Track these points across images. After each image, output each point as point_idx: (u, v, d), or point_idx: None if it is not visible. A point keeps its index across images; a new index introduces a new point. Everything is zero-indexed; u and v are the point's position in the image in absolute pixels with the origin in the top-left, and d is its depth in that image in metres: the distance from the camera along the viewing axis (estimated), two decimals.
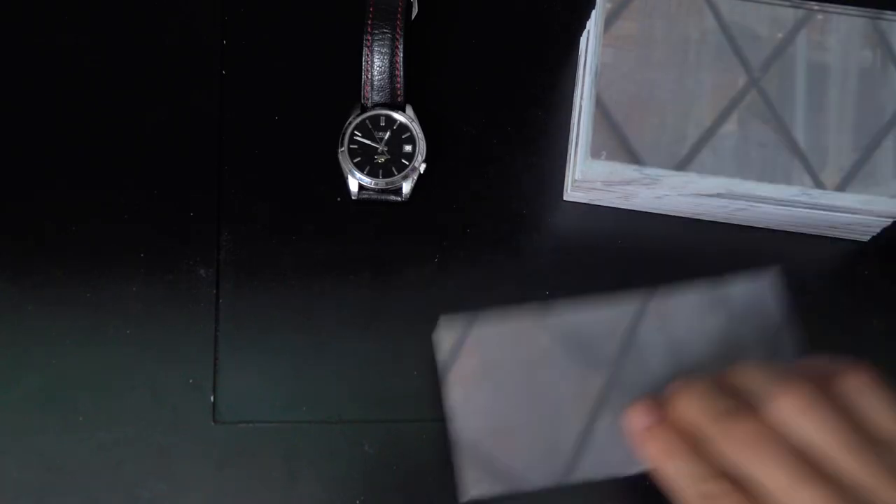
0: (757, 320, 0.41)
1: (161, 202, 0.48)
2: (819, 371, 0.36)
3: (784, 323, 0.42)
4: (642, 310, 0.42)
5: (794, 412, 0.34)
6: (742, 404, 0.36)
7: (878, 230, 0.47)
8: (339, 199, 0.48)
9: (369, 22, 0.47)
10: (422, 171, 0.47)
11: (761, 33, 0.44)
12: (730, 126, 0.43)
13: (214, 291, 0.47)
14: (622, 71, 0.44)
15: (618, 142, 0.43)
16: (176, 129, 0.48)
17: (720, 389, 0.37)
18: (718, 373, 0.38)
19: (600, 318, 0.41)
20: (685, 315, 0.42)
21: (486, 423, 0.41)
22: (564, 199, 0.49)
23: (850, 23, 0.44)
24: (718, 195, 0.44)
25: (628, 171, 0.43)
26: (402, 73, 0.47)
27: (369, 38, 0.47)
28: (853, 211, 0.44)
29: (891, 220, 0.45)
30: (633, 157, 0.43)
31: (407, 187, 0.47)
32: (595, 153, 0.43)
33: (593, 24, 0.46)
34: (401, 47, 0.47)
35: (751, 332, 0.41)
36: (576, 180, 0.46)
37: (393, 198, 0.47)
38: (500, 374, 0.41)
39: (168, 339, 0.46)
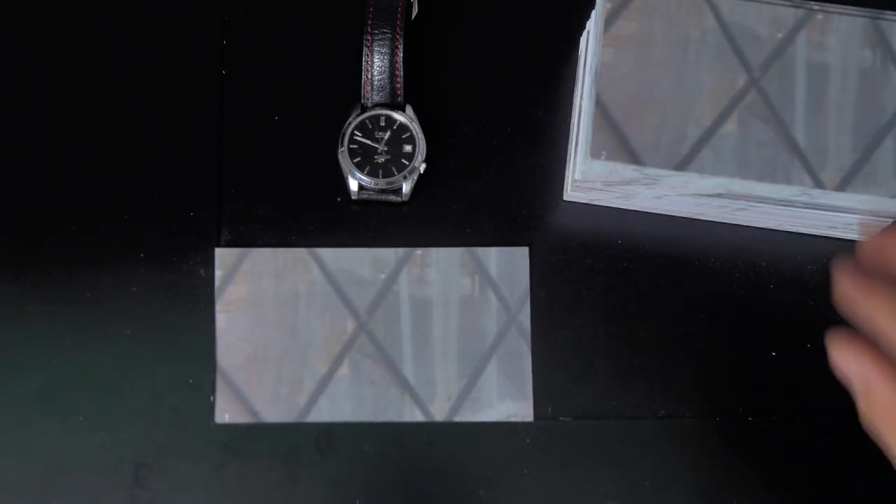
0: (505, 287, 0.47)
1: (161, 202, 0.48)
2: None
3: (526, 296, 0.47)
4: (406, 259, 0.46)
5: None
6: None
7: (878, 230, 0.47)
8: (339, 199, 0.48)
9: (369, 22, 0.47)
10: (422, 171, 0.47)
11: (761, 33, 0.44)
12: (730, 126, 0.43)
13: (214, 291, 0.47)
14: (622, 71, 0.43)
15: (618, 142, 0.43)
16: (176, 129, 0.48)
17: None
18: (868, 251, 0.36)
19: (367, 260, 0.46)
20: (442, 272, 0.47)
21: (243, 351, 0.46)
22: (564, 199, 0.49)
23: (851, 23, 0.44)
24: (718, 195, 0.44)
25: (628, 171, 0.43)
26: (402, 73, 0.47)
27: (369, 38, 0.47)
28: (853, 211, 0.44)
29: (891, 220, 0.45)
30: (633, 157, 0.43)
31: (407, 187, 0.47)
32: (595, 153, 0.43)
33: (593, 25, 0.46)
34: (401, 47, 0.47)
35: (496, 299, 0.47)
36: (576, 180, 0.46)
37: (393, 198, 0.47)
38: (265, 305, 0.46)
39: (168, 339, 0.47)
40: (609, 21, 0.44)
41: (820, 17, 0.44)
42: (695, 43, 0.44)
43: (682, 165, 0.43)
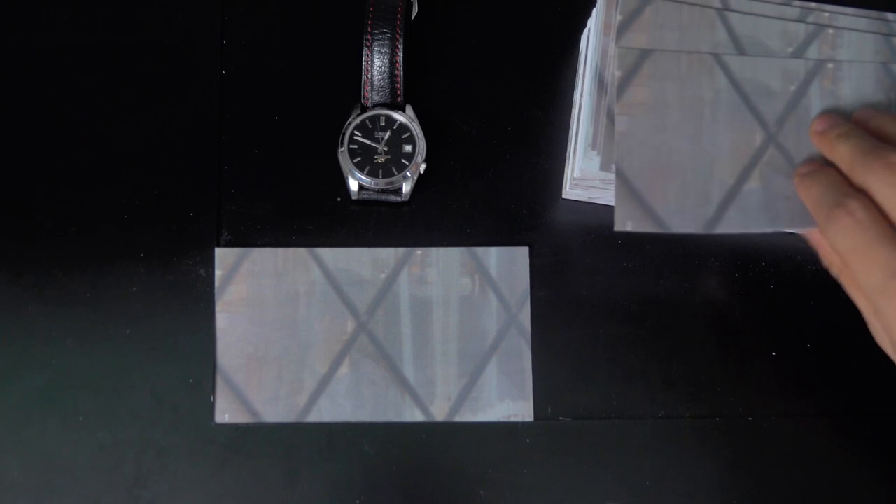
0: (505, 287, 0.47)
1: (161, 202, 0.48)
2: None
3: (526, 296, 0.47)
4: (406, 259, 0.46)
5: None
6: (885, 145, 0.39)
7: None
8: (339, 199, 0.48)
9: (369, 22, 0.47)
10: (422, 171, 0.47)
11: (774, 88, 0.44)
12: (753, 183, 0.43)
13: (214, 291, 0.47)
14: (639, 138, 0.43)
15: (642, 210, 0.42)
16: (176, 128, 0.48)
17: (873, 137, 0.40)
18: (871, 118, 0.42)
19: (367, 260, 0.46)
20: (442, 272, 0.46)
21: (243, 351, 0.46)
22: (563, 196, 0.49)
23: (862, 70, 0.44)
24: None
25: None
26: (402, 73, 0.47)
27: (369, 38, 0.47)
28: None
29: None
30: (659, 224, 0.42)
31: (407, 187, 0.47)
32: (620, 224, 0.41)
33: (594, 22, 0.46)
34: (401, 47, 0.47)
35: (496, 298, 0.47)
36: (575, 178, 0.46)
37: (393, 198, 0.47)
38: (265, 305, 0.46)
39: (168, 339, 0.47)
40: (621, 89, 0.43)
41: (830, 66, 0.44)
42: (709, 103, 0.43)
43: (709, 226, 0.42)
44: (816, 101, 0.43)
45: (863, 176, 0.38)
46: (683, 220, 0.42)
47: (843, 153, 0.40)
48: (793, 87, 0.43)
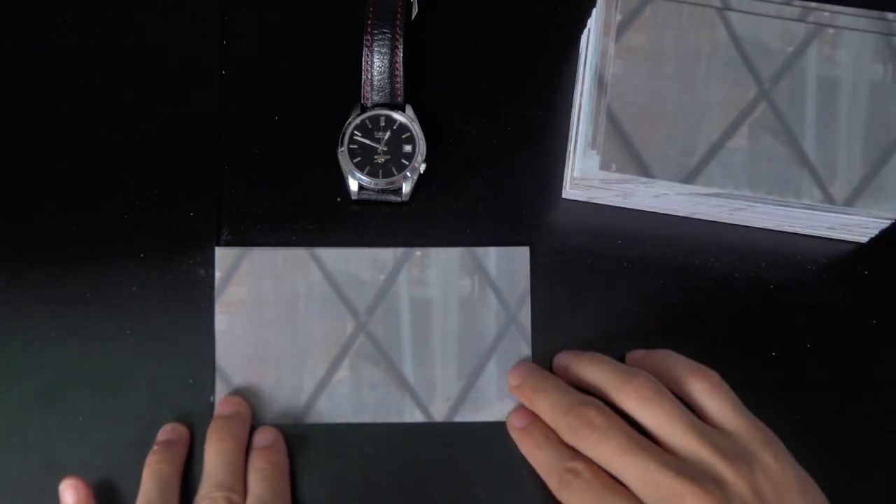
0: (504, 289, 0.47)
1: (161, 202, 0.48)
2: (667, 370, 0.42)
3: (526, 296, 0.47)
4: (405, 260, 0.46)
5: (637, 402, 0.40)
6: (586, 399, 0.42)
7: (877, 231, 0.47)
8: (339, 199, 0.48)
9: (369, 22, 0.47)
10: (422, 171, 0.47)
11: (772, 46, 0.44)
12: (739, 139, 0.43)
13: (214, 291, 0.47)
14: (633, 83, 0.43)
15: (628, 154, 0.43)
16: (176, 128, 0.48)
17: (567, 386, 0.43)
18: (570, 364, 0.45)
19: (366, 260, 0.46)
20: (442, 272, 0.47)
21: (243, 352, 0.46)
22: (563, 196, 0.49)
23: (862, 38, 0.44)
24: (717, 195, 0.44)
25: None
26: (402, 73, 0.47)
27: (369, 38, 0.47)
28: (850, 212, 0.44)
29: (889, 222, 0.45)
30: (643, 170, 0.43)
31: (407, 187, 0.47)
32: (605, 166, 0.43)
33: (594, 22, 0.46)
34: (401, 47, 0.47)
35: (495, 299, 0.47)
36: (574, 178, 0.46)
37: (393, 198, 0.47)
38: (264, 306, 0.46)
39: (168, 339, 0.47)
40: (620, 32, 0.44)
41: (831, 31, 0.44)
42: (705, 55, 0.44)
43: (690, 178, 0.43)
44: (813, 63, 0.44)
45: (570, 439, 0.41)
46: (666, 169, 0.43)
47: (542, 410, 0.43)
48: (791, 48, 0.44)
